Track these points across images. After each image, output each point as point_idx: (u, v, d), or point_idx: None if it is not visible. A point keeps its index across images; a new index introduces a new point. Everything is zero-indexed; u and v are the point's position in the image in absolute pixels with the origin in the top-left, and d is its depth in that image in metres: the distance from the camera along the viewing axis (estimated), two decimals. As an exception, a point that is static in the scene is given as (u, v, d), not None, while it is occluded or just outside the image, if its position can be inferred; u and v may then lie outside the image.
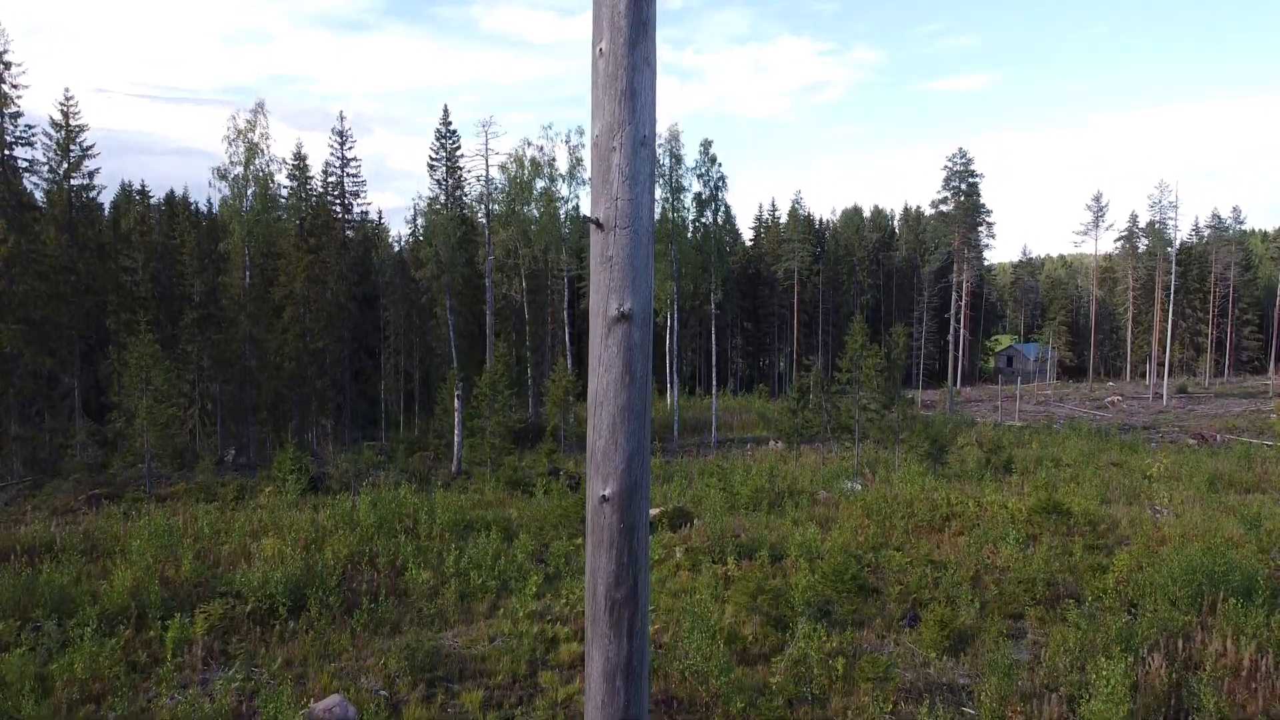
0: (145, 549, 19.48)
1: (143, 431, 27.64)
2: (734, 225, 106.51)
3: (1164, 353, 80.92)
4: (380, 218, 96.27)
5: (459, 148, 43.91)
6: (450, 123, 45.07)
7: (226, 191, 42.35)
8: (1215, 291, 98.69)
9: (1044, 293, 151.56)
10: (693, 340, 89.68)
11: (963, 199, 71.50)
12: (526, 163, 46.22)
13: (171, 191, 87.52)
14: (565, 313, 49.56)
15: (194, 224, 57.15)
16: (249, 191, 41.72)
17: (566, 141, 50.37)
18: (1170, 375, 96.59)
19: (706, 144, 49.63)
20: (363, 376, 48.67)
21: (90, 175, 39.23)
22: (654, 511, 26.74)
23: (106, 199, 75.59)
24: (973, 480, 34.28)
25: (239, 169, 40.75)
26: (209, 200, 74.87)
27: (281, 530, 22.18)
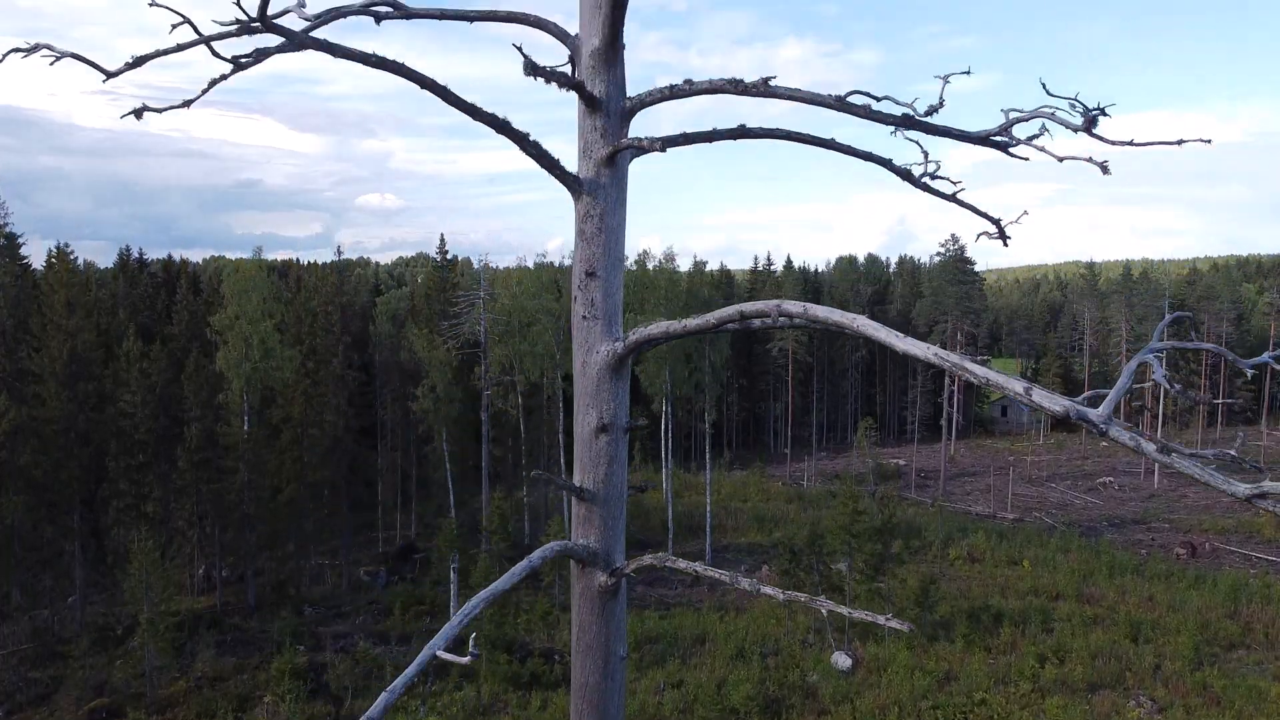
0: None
1: (145, 644, 28.17)
2: (730, 278, 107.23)
3: (1156, 426, 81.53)
4: (376, 274, 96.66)
5: (453, 280, 44.34)
6: (447, 250, 45.53)
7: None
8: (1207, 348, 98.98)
9: (1038, 317, 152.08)
10: (687, 401, 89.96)
11: (956, 286, 71.92)
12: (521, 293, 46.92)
13: (170, 257, 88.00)
14: (560, 432, 50.13)
15: (191, 308, 57.67)
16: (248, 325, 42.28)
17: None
18: (1164, 427, 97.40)
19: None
20: (360, 505, 49.20)
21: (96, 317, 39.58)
22: (647, 731, 27.30)
23: (107, 260, 76.23)
24: (960, 644, 34.79)
25: (241, 320, 41.31)
26: (211, 278, 75.28)
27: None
